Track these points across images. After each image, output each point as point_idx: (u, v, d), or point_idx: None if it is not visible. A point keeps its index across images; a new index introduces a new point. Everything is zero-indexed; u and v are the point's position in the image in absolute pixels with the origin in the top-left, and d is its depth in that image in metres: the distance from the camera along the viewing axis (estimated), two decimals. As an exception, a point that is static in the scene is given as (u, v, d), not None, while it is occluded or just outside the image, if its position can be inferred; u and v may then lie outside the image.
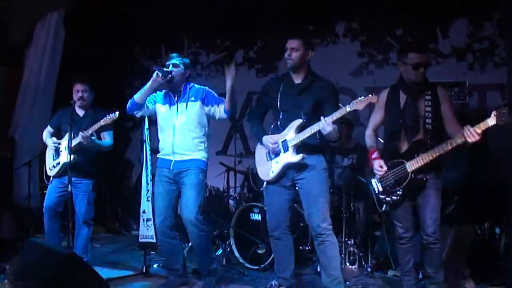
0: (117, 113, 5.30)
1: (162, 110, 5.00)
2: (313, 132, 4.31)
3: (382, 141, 4.73)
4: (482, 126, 3.87)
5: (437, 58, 6.78)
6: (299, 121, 4.45)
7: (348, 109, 4.13)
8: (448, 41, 6.85)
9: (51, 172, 5.69)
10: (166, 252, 5.11)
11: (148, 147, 5.74)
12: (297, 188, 4.60)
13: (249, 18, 7.93)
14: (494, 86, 6.52)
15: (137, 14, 8.42)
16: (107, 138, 5.65)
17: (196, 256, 5.08)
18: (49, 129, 5.87)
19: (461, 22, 6.78)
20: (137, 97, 4.95)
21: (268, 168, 4.63)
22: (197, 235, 4.86)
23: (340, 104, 4.45)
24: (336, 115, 4.18)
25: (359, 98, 4.11)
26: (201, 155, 4.90)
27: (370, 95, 4.09)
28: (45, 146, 5.87)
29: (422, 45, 4.81)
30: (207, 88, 5.03)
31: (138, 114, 5.07)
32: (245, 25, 8.05)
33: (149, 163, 5.71)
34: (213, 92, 4.99)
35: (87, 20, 8.08)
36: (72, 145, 5.20)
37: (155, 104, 5.05)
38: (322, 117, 4.21)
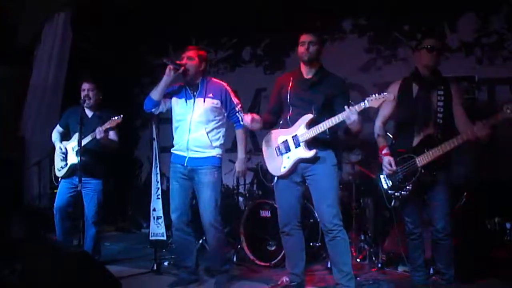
0: (121, 116, 5.31)
1: (178, 104, 4.92)
2: (333, 124, 4.24)
3: (391, 136, 4.72)
4: (493, 120, 3.86)
5: (445, 53, 6.75)
6: (309, 116, 4.41)
7: (362, 105, 4.06)
8: (456, 36, 6.83)
9: (59, 173, 5.73)
10: (180, 248, 5.09)
11: (157, 145, 5.75)
12: (307, 184, 4.58)
13: (256, 15, 7.93)
14: (503, 80, 6.50)
15: (144, 13, 8.43)
16: (113, 138, 5.66)
17: (210, 255, 5.08)
18: (58, 128, 5.89)
19: (469, 16, 6.76)
20: (153, 94, 4.86)
21: (280, 163, 4.61)
22: (214, 235, 4.86)
23: (351, 102, 4.42)
24: (356, 108, 4.11)
25: (374, 96, 4.03)
26: (216, 152, 4.87)
27: (385, 93, 4.01)
28: (55, 147, 5.89)
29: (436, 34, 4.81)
30: (225, 85, 4.97)
31: (156, 112, 4.99)
32: (252, 22, 8.05)
33: (158, 161, 5.72)
34: (231, 94, 4.93)
35: (95, 20, 8.11)
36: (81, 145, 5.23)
37: (171, 99, 4.98)
38: (346, 107, 4.12)
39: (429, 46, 4.30)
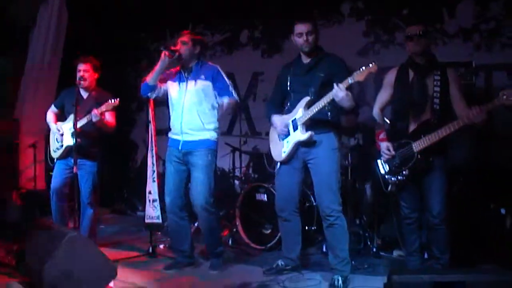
0: (117, 99, 5.30)
1: (172, 88, 4.97)
2: (324, 104, 4.27)
3: (388, 121, 4.73)
4: (490, 106, 3.86)
5: (443, 38, 6.73)
6: (306, 99, 4.44)
7: (350, 81, 4.08)
8: (454, 21, 6.79)
9: (54, 154, 5.71)
10: (174, 232, 5.12)
11: (152, 128, 5.73)
12: (309, 168, 4.59)
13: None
14: (500, 67, 6.48)
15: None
16: (109, 120, 5.63)
17: (204, 238, 5.10)
18: (53, 109, 5.85)
19: (468, 2, 6.71)
20: (149, 79, 4.90)
21: (280, 148, 4.65)
22: (206, 219, 4.89)
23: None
24: (343, 84, 4.11)
25: (359, 70, 4.05)
26: (210, 134, 4.88)
27: (370, 65, 4.02)
28: (49, 128, 5.86)
29: (419, 19, 4.77)
30: (218, 67, 4.97)
31: (152, 96, 5.02)
32: (250, 6, 8.00)
33: (153, 144, 5.70)
34: (223, 75, 4.92)
35: (91, 1, 8.04)
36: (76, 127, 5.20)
37: (166, 83, 5.01)
38: (334, 84, 4.15)
39: (409, 35, 4.31)
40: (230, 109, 4.95)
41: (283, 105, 4.83)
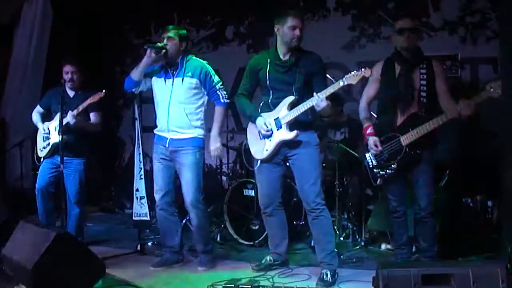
0: (103, 91, 5.25)
1: (158, 84, 4.90)
2: (306, 108, 4.27)
3: (375, 115, 4.73)
4: (477, 99, 3.87)
5: (428, 32, 6.75)
6: (291, 98, 4.40)
7: (341, 83, 4.08)
8: (440, 14, 6.82)
9: (41, 153, 5.66)
10: (164, 228, 5.09)
11: (139, 125, 5.70)
12: (288, 164, 4.61)
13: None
14: (486, 60, 6.51)
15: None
16: (94, 119, 5.60)
17: (194, 235, 5.07)
18: (38, 109, 5.81)
19: (453, -5, 6.76)
20: (133, 74, 4.83)
21: (262, 146, 4.60)
22: (197, 216, 4.87)
23: (332, 79, 4.42)
24: (329, 90, 4.14)
25: (352, 73, 4.05)
26: (197, 132, 4.83)
27: (363, 69, 4.04)
28: (36, 127, 5.82)
29: (410, 13, 4.76)
30: (206, 64, 4.90)
31: (137, 91, 4.97)
32: (235, 1, 7.98)
33: (140, 141, 5.67)
34: (210, 74, 4.85)
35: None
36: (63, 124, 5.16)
37: (151, 78, 4.95)
38: (315, 93, 4.17)
39: (402, 29, 4.30)
40: (222, 116, 4.91)
41: (253, 95, 4.81)
